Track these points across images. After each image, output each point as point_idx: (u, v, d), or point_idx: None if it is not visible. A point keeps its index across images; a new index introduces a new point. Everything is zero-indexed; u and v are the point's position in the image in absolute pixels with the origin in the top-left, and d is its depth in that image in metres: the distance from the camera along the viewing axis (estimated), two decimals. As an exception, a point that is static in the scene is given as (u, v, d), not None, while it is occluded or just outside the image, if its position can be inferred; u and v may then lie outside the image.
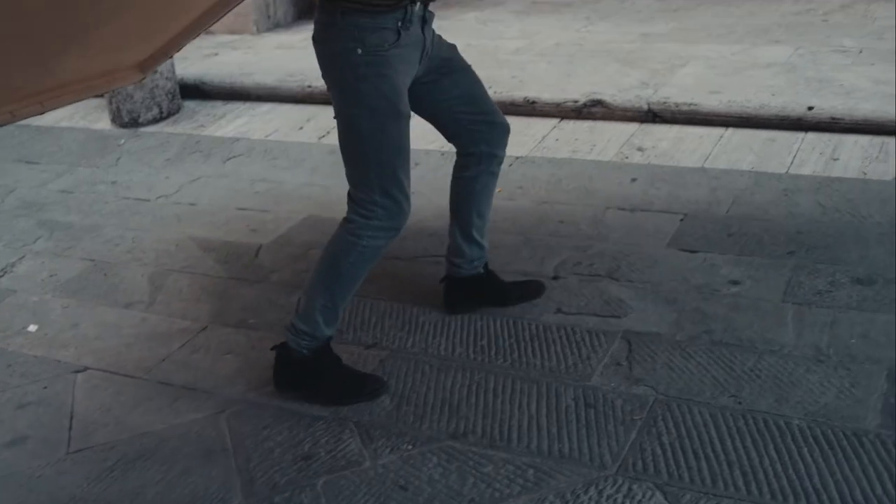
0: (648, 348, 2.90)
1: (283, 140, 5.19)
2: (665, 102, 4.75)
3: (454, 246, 3.11)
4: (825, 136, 4.38)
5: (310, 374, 2.80)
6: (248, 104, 5.80)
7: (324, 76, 2.61)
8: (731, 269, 3.32)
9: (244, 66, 6.27)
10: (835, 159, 4.16)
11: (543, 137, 4.72)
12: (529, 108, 4.91)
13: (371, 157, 2.59)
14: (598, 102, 4.86)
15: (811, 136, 4.41)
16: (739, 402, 2.61)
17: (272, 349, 2.86)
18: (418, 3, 2.53)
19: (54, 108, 3.59)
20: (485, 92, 2.89)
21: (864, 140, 4.30)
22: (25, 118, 2.89)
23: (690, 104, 4.70)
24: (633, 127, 4.73)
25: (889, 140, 4.25)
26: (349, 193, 2.68)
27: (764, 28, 6.04)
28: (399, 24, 2.49)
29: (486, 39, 6.37)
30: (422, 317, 3.21)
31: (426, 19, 2.60)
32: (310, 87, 5.63)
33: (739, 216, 3.71)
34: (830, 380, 2.67)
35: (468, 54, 2.92)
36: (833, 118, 4.42)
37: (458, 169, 3.01)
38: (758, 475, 2.34)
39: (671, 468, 2.39)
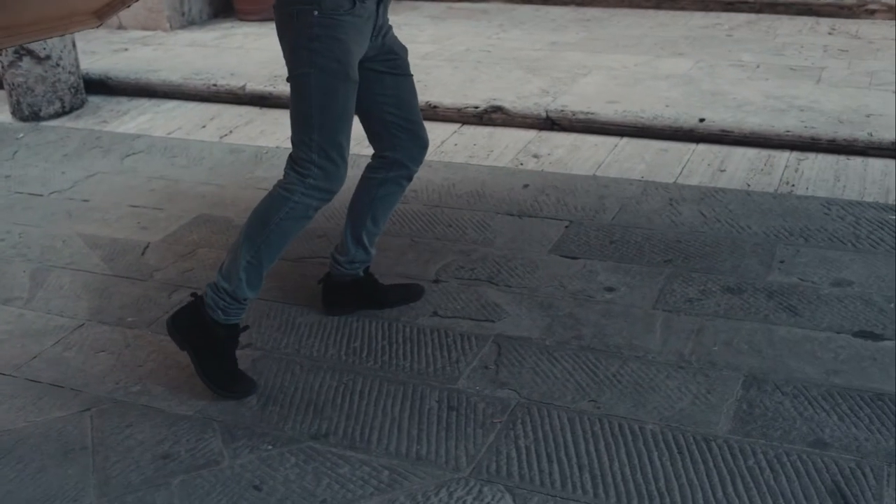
0: (517, 352, 2.94)
1: (185, 138, 5.15)
2: (563, 111, 4.81)
3: (342, 243, 3.13)
4: (715, 148, 4.48)
5: (207, 344, 2.78)
6: (153, 101, 5.74)
7: (280, 39, 2.68)
8: (608, 275, 3.38)
9: (153, 63, 6.20)
10: (721, 171, 4.25)
11: (443, 142, 4.75)
12: (431, 113, 4.93)
13: (315, 118, 2.64)
14: (498, 109, 4.91)
15: (702, 147, 4.51)
16: (598, 407, 2.67)
17: (191, 296, 2.85)
18: None
19: (10, 46, 3.54)
20: (417, 105, 2.97)
21: (751, 153, 4.41)
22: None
23: (587, 113, 4.77)
24: (531, 134, 4.79)
25: (774, 153, 4.37)
26: (290, 155, 2.72)
27: (671, 40, 6.15)
28: None
29: (399, 43, 6.38)
30: (299, 318, 3.21)
31: None
32: (215, 85, 5.60)
33: (623, 224, 3.78)
34: (688, 386, 2.74)
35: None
36: (723, 130, 4.52)
37: (369, 169, 3.04)
38: (606, 478, 2.39)
39: (523, 471, 2.44)
